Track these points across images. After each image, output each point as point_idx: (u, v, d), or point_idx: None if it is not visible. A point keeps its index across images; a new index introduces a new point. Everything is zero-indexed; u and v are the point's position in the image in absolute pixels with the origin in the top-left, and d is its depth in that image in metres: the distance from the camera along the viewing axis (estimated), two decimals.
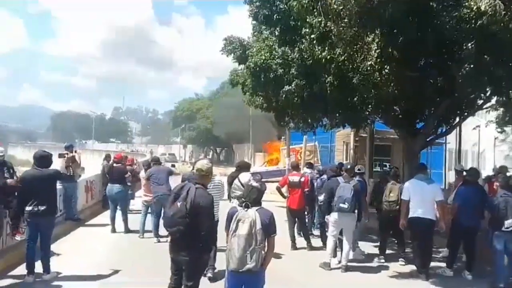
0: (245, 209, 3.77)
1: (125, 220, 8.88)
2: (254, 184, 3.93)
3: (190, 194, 4.08)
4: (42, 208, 5.51)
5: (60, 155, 8.98)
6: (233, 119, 34.80)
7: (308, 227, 8.95)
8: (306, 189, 8.13)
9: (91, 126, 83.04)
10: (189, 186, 4.17)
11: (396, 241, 7.69)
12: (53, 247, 6.62)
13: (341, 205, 6.52)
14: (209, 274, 5.67)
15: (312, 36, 7.25)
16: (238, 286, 3.83)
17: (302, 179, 8.16)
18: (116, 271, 6.09)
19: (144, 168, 8.99)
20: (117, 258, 6.92)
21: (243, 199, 3.89)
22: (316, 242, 8.22)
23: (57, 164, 8.35)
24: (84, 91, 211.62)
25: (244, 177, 5.92)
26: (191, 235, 4.02)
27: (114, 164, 9.43)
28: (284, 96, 9.23)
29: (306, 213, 8.85)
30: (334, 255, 6.92)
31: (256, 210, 3.76)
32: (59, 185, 8.37)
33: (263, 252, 3.72)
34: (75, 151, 9.65)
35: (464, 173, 7.57)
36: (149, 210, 8.47)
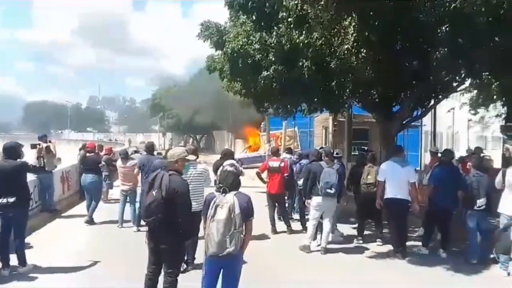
0: (223, 194, 3.78)
1: (93, 210, 8.58)
2: (229, 168, 3.99)
3: (164, 181, 4.08)
4: (11, 200, 5.36)
5: (33, 146, 8.71)
6: (209, 106, 34.36)
7: (288, 211, 9.06)
8: (285, 174, 8.17)
9: (66, 116, 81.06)
10: (163, 174, 4.17)
11: (373, 223, 7.87)
12: (30, 239, 6.50)
13: (328, 190, 6.60)
14: (190, 268, 5.60)
15: (289, 19, 7.19)
16: (217, 270, 3.86)
17: (282, 164, 8.20)
18: (94, 262, 5.99)
19: (120, 157, 8.77)
20: (96, 249, 6.81)
21: (220, 184, 3.89)
22: (296, 225, 8.32)
23: (30, 155, 8.10)
24: (59, 80, 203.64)
25: (229, 163, 5.97)
26: (169, 222, 4.01)
27: (87, 154, 9.21)
28: (262, 82, 9.19)
29: (286, 197, 8.94)
30: (314, 238, 7.02)
31: (234, 194, 3.79)
32: (33, 177, 8.17)
33: (241, 235, 3.75)
34: (50, 141, 9.38)
35: (439, 154, 7.75)
36: (128, 200, 8.35)
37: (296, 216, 8.96)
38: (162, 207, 4.01)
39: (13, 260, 5.55)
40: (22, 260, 5.58)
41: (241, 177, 4.17)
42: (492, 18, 5.58)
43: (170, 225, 4.02)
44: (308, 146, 18.98)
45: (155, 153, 9.07)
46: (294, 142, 20.96)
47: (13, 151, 5.63)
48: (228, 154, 7.02)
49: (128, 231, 7.92)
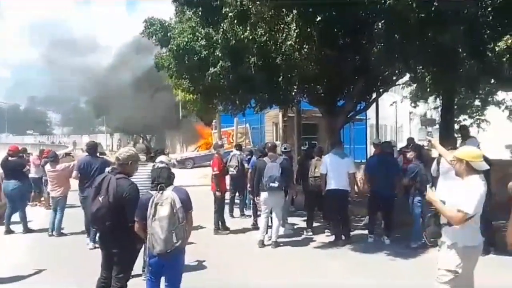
0: (160, 192, 3.71)
1: (23, 218, 8.01)
2: (161, 165, 3.96)
3: (111, 186, 3.90)
4: None
5: None
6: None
7: (240, 207, 9.10)
8: (213, 172, 8.01)
9: (3, 118, 75.81)
10: (110, 177, 3.98)
11: (321, 214, 8.08)
12: None
13: (272, 184, 6.69)
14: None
15: (231, 14, 7.18)
16: (159, 268, 3.81)
17: (211, 161, 8.31)
18: (37, 272, 5.62)
19: (49, 160, 7.98)
20: (37, 258, 6.39)
21: (155, 182, 3.82)
22: (248, 222, 8.35)
23: None
24: None
25: (161, 159, 5.95)
26: (120, 228, 3.86)
27: (9, 158, 8.19)
28: (210, 78, 9.11)
29: (237, 194, 8.95)
30: (266, 232, 7.09)
31: (172, 190, 3.76)
32: None
33: (186, 228, 3.73)
34: None
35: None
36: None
37: (248, 212, 9.01)
38: (109, 213, 3.85)
39: None
40: None
41: (173, 170, 4.15)
42: (423, 14, 5.90)
43: (120, 231, 3.88)
44: (260, 142, 19.14)
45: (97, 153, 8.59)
46: (246, 138, 21.08)
47: None
48: (160, 151, 7.36)
49: (68, 239, 7.55)
